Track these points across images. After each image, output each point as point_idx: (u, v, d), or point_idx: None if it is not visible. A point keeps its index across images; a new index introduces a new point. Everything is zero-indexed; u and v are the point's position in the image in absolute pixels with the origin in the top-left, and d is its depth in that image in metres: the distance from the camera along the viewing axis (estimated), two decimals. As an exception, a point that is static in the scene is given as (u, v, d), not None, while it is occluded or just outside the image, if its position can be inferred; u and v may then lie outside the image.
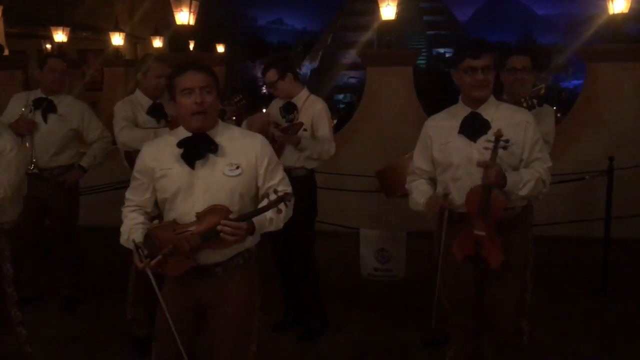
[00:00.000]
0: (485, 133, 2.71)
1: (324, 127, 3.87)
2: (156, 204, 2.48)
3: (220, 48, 16.70)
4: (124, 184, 4.74)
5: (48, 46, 12.27)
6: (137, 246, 2.29)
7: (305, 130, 3.79)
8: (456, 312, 2.98)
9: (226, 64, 8.30)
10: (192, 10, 6.77)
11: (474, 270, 2.80)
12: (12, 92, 4.61)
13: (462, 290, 2.89)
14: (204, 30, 6.90)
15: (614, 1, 6.16)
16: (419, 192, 2.90)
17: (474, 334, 2.97)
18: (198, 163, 2.34)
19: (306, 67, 42.96)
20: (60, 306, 4.44)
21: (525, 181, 2.69)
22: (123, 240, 2.42)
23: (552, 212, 5.34)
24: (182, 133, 2.40)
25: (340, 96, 37.36)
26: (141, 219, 2.44)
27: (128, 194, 2.49)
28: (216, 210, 2.29)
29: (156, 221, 2.46)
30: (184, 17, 6.76)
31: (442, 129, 2.84)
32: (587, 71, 6.57)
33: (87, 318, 4.36)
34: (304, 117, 3.84)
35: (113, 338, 4.01)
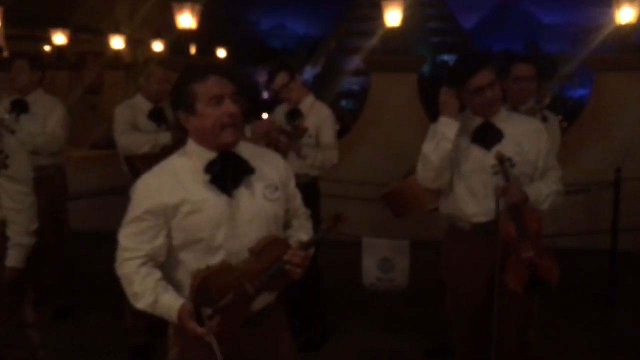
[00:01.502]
0: (500, 142, 2.67)
1: (329, 135, 3.84)
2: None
3: (222, 52, 16.69)
4: (121, 189, 4.74)
5: (47, 48, 12.23)
6: (197, 311, 1.78)
7: (310, 137, 3.74)
8: (463, 324, 2.93)
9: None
10: (194, 14, 6.72)
11: (537, 294, 2.78)
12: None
13: (473, 303, 2.82)
14: (205, 35, 6.84)
15: (621, 11, 6.13)
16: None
17: (479, 347, 2.89)
18: (233, 189, 1.92)
19: (308, 73, 42.97)
20: (54, 314, 4.38)
21: (546, 195, 2.69)
22: (147, 303, 1.88)
23: (557, 223, 5.26)
24: (202, 154, 1.92)
25: (343, 103, 37.39)
26: (159, 274, 1.92)
27: (128, 243, 1.93)
28: (274, 243, 1.94)
29: (203, 267, 1.87)
30: (186, 20, 6.71)
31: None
32: (595, 81, 6.52)
33: (83, 326, 4.30)
34: (309, 123, 3.81)
35: (110, 346, 3.97)
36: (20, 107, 4.16)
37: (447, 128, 2.65)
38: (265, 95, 34.90)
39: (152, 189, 1.91)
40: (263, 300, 1.97)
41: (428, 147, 2.73)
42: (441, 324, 3.40)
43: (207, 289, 1.81)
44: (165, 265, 1.97)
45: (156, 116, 3.82)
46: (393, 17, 6.72)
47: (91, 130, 9.25)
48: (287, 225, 2.12)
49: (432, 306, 4.23)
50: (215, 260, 1.88)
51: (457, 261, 2.86)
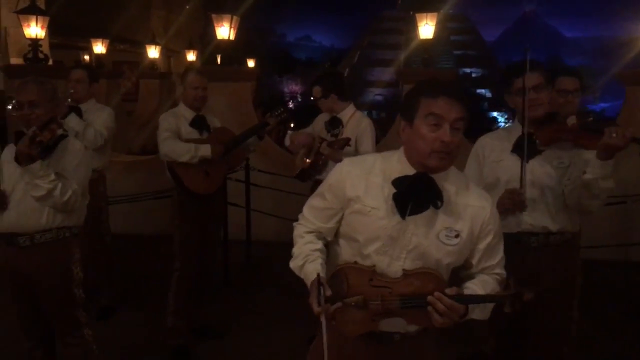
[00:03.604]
0: (539, 154, 2.69)
1: (367, 144, 3.86)
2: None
3: (251, 63, 16.92)
4: (164, 194, 4.88)
5: (86, 57, 12.54)
6: (320, 283, 1.75)
7: (349, 145, 3.81)
8: (498, 333, 2.96)
9: (256, 78, 8.40)
10: (232, 26, 6.88)
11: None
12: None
13: (507, 316, 2.86)
14: (235, 45, 7.00)
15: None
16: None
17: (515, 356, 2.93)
18: (411, 212, 1.80)
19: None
20: (96, 315, 4.45)
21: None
22: (296, 265, 1.93)
23: (589, 235, 5.27)
24: (403, 165, 1.84)
25: (365, 113, 37.51)
26: (320, 245, 1.94)
27: (307, 212, 2.00)
28: (431, 277, 1.79)
29: (353, 260, 1.88)
30: (224, 31, 6.87)
31: (496, 147, 2.82)
32: (627, 94, 6.53)
33: (124, 326, 4.38)
34: (349, 133, 3.85)
35: (150, 346, 4.04)
36: (75, 112, 4.27)
37: None
38: (291, 104, 35.32)
39: (343, 174, 1.91)
40: (396, 326, 1.87)
41: None
42: (477, 331, 3.44)
43: (341, 278, 1.83)
44: (332, 242, 2.00)
45: (198, 123, 3.93)
46: (426, 30, 6.80)
47: (126, 136, 9.48)
48: (468, 278, 1.94)
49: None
50: (365, 263, 1.86)
51: None
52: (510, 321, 2.82)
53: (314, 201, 2.00)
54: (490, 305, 1.86)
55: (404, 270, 1.80)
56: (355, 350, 1.93)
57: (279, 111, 4.18)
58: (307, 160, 3.89)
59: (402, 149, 1.89)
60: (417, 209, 1.79)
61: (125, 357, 3.95)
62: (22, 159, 2.69)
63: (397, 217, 1.80)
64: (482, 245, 1.89)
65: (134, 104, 13.35)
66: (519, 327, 2.84)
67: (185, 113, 3.93)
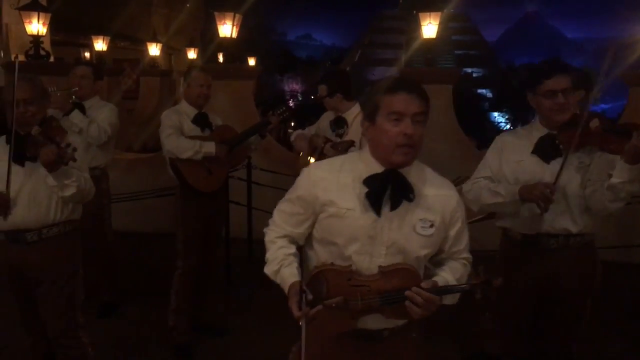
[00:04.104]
0: (560, 155, 2.63)
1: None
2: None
3: (251, 61, 16.94)
4: (167, 192, 4.86)
5: (87, 54, 12.53)
6: (302, 290, 1.79)
7: (354, 146, 3.79)
8: (506, 334, 2.96)
9: (257, 76, 8.41)
10: (235, 23, 6.86)
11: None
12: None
13: (518, 312, 2.86)
14: (236, 43, 6.99)
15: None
16: (498, 186, 2.72)
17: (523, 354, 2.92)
18: (384, 209, 1.84)
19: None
20: (98, 311, 4.45)
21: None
22: (271, 270, 1.96)
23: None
24: (371, 165, 1.89)
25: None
26: (293, 249, 1.98)
27: (278, 218, 2.02)
28: (407, 272, 1.83)
29: (329, 261, 1.90)
30: (226, 29, 6.85)
31: (516, 146, 2.77)
32: (630, 95, 6.52)
33: (126, 324, 4.38)
34: (353, 132, 3.83)
35: (153, 343, 4.04)
36: (79, 109, 4.25)
37: (512, 207, 2.68)
38: (291, 102, 35.30)
39: (312, 179, 1.94)
40: (376, 323, 1.90)
41: (485, 197, 2.74)
42: (482, 331, 3.42)
43: (320, 281, 1.85)
44: (304, 245, 2.03)
45: (200, 121, 3.92)
46: (429, 29, 6.78)
47: (127, 133, 9.46)
48: (438, 264, 1.99)
49: (473, 313, 4.26)
50: (345, 264, 1.88)
51: (508, 270, 2.87)
52: (520, 320, 2.84)
53: (283, 206, 2.03)
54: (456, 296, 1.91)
55: (380, 267, 1.84)
56: (341, 349, 1.96)
57: (281, 110, 4.17)
58: (311, 160, 3.88)
59: (366, 148, 1.94)
60: (392, 205, 1.84)
61: (127, 355, 3.94)
62: (52, 164, 2.66)
63: (373, 216, 1.84)
64: (452, 232, 1.94)
65: (134, 102, 13.33)
66: (529, 329, 2.85)
67: (187, 110, 3.93)
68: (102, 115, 4.32)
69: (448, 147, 6.40)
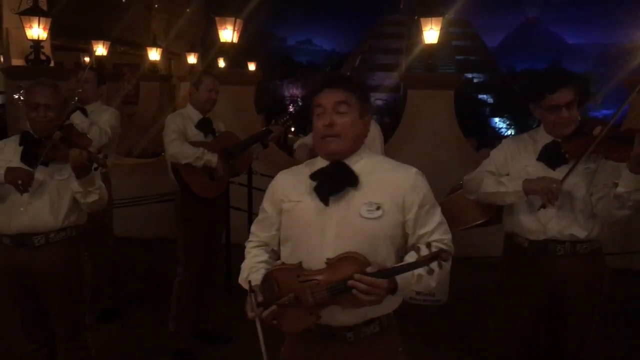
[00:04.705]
0: (566, 162, 2.64)
1: (377, 152, 3.82)
2: None
3: (252, 66, 16.93)
4: (166, 197, 4.84)
5: (86, 59, 12.52)
6: (251, 289, 1.89)
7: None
8: (506, 343, 2.92)
9: (258, 82, 8.43)
10: (235, 29, 6.85)
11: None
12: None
13: (520, 322, 2.84)
14: (236, 48, 6.99)
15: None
16: (502, 177, 2.74)
17: None
18: (332, 199, 1.91)
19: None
20: (99, 318, 4.43)
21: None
22: (241, 278, 2.06)
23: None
24: (319, 162, 2.01)
25: (375, 118, 37.51)
26: (264, 257, 2.06)
27: (253, 228, 2.14)
28: (351, 260, 1.83)
29: (279, 261, 2.02)
30: (227, 34, 6.84)
31: (522, 152, 2.78)
32: (632, 101, 6.48)
33: (127, 329, 4.38)
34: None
35: (153, 349, 4.03)
36: (81, 112, 4.23)
37: (514, 198, 2.68)
38: (291, 108, 35.32)
39: (278, 183, 2.08)
40: (335, 317, 1.90)
41: (487, 185, 2.74)
42: (481, 340, 3.40)
43: (270, 282, 1.90)
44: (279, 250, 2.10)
45: (204, 126, 3.92)
46: (430, 35, 6.76)
47: (127, 139, 9.43)
48: (410, 249, 1.95)
49: (472, 322, 4.23)
50: (292, 260, 1.94)
51: (512, 277, 2.85)
52: (521, 331, 2.81)
53: (258, 216, 2.13)
54: (430, 278, 1.83)
55: (327, 259, 1.85)
56: (310, 349, 2.01)
57: (284, 119, 4.16)
58: None
59: None
60: (334, 192, 1.91)
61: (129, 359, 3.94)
62: (82, 169, 2.71)
63: (321, 206, 1.92)
64: (411, 215, 1.93)
65: (134, 107, 13.33)
66: (528, 336, 2.82)
67: (192, 115, 3.93)
68: (103, 118, 4.34)
69: (448, 151, 6.39)
